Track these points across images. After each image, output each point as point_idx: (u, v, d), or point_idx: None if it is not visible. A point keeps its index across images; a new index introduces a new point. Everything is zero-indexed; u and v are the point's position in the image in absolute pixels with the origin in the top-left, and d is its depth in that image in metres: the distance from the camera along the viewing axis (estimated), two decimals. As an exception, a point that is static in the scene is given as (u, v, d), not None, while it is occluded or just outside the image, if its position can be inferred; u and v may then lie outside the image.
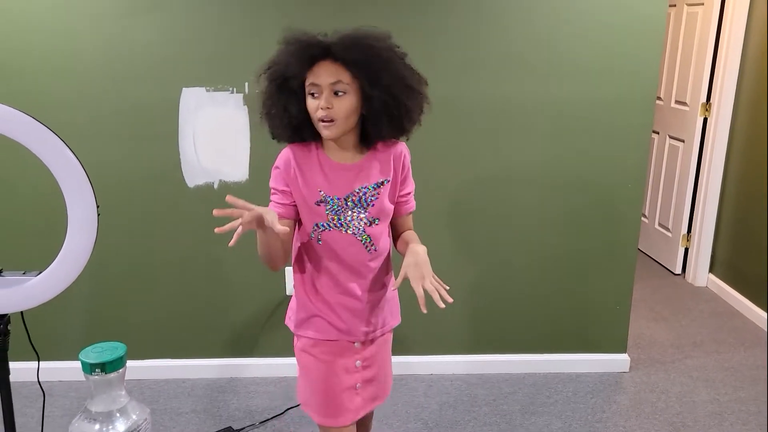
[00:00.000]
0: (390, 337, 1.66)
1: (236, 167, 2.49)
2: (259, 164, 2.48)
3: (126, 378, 1.86)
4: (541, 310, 2.71)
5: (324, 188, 1.43)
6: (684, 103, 3.83)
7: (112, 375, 1.78)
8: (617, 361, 2.78)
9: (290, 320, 1.59)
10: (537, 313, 2.72)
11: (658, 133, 4.14)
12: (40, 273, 1.53)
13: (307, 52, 1.33)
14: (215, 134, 2.46)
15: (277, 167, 1.45)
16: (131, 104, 2.41)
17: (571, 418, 2.43)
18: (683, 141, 3.85)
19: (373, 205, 1.46)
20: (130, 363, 1.93)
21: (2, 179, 2.46)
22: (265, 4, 2.34)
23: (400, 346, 2.63)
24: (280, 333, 2.66)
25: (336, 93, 1.34)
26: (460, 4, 2.37)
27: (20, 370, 1.84)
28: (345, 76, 1.33)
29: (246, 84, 2.41)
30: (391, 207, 1.51)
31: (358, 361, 1.55)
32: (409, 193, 1.57)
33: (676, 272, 3.98)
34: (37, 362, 1.73)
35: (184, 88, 2.40)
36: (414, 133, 1.47)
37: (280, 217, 1.42)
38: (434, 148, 2.49)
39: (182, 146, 2.46)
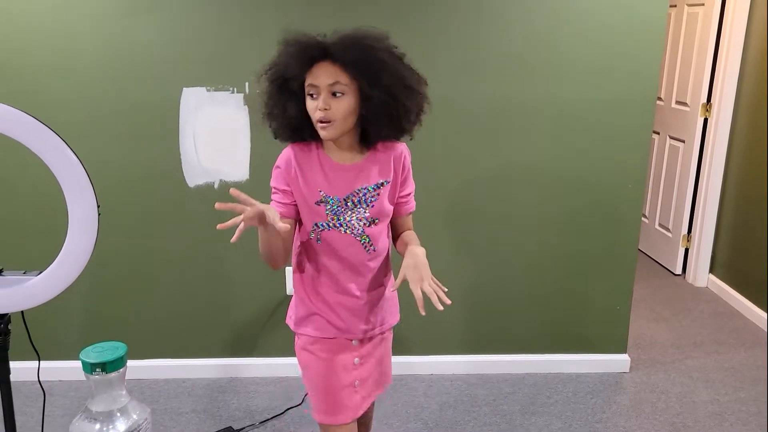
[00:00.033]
0: (390, 335, 1.66)
1: (236, 167, 2.49)
2: (260, 164, 2.48)
3: (126, 378, 1.86)
4: (541, 310, 2.71)
5: (324, 188, 1.44)
6: (684, 104, 3.83)
7: (113, 375, 1.79)
8: (617, 362, 2.78)
9: (290, 319, 1.60)
10: (537, 313, 2.72)
11: (658, 134, 4.14)
12: (41, 273, 1.53)
13: (306, 54, 1.33)
14: (216, 134, 2.46)
15: (278, 167, 1.45)
16: (131, 104, 2.41)
17: (571, 419, 2.43)
18: (683, 141, 3.85)
19: (372, 205, 1.47)
20: (130, 363, 1.94)
21: (2, 179, 2.47)
22: (265, 4, 2.34)
23: (400, 346, 2.63)
24: (280, 333, 2.66)
25: (334, 94, 1.34)
26: (460, 4, 2.37)
27: (21, 370, 1.84)
28: (343, 77, 1.33)
29: (246, 84, 2.41)
30: (391, 208, 1.52)
31: (356, 359, 1.55)
32: (409, 194, 1.57)
33: (677, 273, 3.98)
34: (37, 362, 1.73)
35: (184, 88, 2.40)
36: (414, 133, 1.47)
37: (281, 216, 1.42)
38: (434, 148, 2.49)
39: (183, 146, 2.46)
